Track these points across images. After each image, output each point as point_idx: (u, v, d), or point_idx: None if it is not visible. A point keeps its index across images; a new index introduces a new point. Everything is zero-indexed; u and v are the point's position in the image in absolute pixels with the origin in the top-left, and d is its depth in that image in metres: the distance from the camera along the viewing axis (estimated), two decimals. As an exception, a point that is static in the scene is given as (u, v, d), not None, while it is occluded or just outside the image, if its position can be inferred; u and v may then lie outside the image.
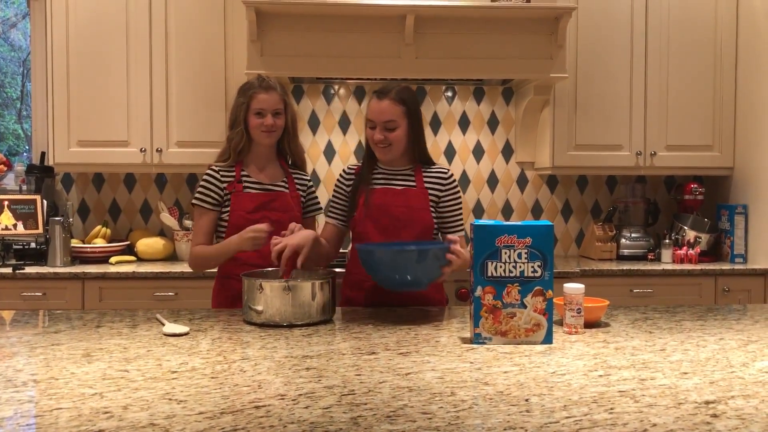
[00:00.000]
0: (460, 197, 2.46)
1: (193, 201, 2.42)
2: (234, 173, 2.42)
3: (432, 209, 2.39)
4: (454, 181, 2.45)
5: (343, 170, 2.50)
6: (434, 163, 2.46)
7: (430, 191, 2.40)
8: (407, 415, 1.25)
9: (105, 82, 3.59)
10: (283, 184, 2.49)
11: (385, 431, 1.17)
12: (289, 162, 2.56)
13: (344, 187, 2.46)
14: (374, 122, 2.34)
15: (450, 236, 2.21)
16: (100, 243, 3.70)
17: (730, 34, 3.81)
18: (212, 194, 2.41)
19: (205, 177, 2.43)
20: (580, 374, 1.52)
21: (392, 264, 2.03)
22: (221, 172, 2.42)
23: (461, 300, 3.26)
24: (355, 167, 2.48)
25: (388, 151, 2.36)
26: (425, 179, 2.41)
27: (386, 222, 2.35)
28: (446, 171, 2.45)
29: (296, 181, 2.53)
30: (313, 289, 2.03)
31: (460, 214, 2.45)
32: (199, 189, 2.42)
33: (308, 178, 2.61)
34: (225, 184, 2.41)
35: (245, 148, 2.44)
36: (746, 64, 3.76)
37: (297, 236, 2.15)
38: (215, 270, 2.51)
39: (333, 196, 2.49)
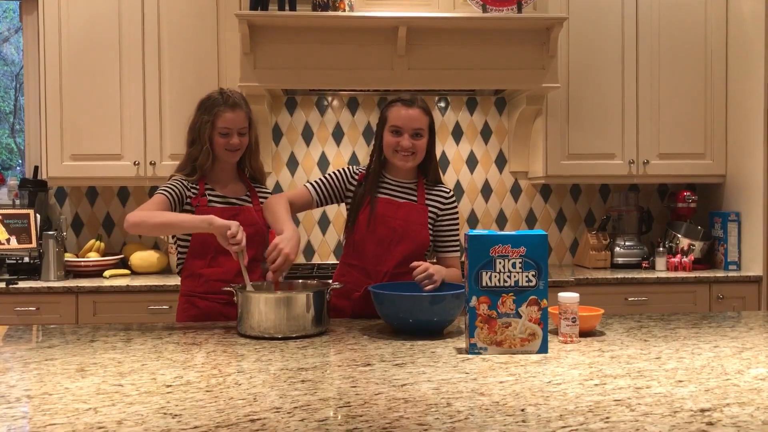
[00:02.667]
0: (457, 218, 2.47)
1: (159, 191, 2.31)
2: (198, 187, 2.38)
3: (430, 226, 2.40)
4: (455, 201, 2.46)
5: (351, 168, 2.46)
6: (441, 182, 2.48)
7: (430, 208, 2.40)
8: (403, 427, 1.24)
9: (98, 95, 3.59)
10: (246, 198, 2.46)
11: (381, 443, 1.17)
12: (247, 175, 2.52)
13: (345, 183, 2.43)
14: (402, 129, 2.33)
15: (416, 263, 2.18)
16: (93, 257, 3.69)
17: (720, 43, 3.84)
18: (179, 192, 2.33)
19: (173, 181, 2.36)
20: (575, 383, 1.52)
21: (408, 308, 2.02)
22: (188, 184, 2.37)
23: None
24: (360, 172, 2.45)
25: (411, 159, 2.36)
26: (427, 196, 2.42)
27: (383, 233, 2.35)
28: (448, 191, 2.46)
29: (259, 195, 2.51)
30: (307, 301, 2.02)
31: (457, 234, 2.45)
32: (168, 185, 2.34)
33: (270, 191, 2.59)
34: (190, 196, 2.36)
35: (209, 165, 2.39)
36: (736, 72, 3.78)
37: (291, 245, 2.13)
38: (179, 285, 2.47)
39: (328, 178, 2.43)
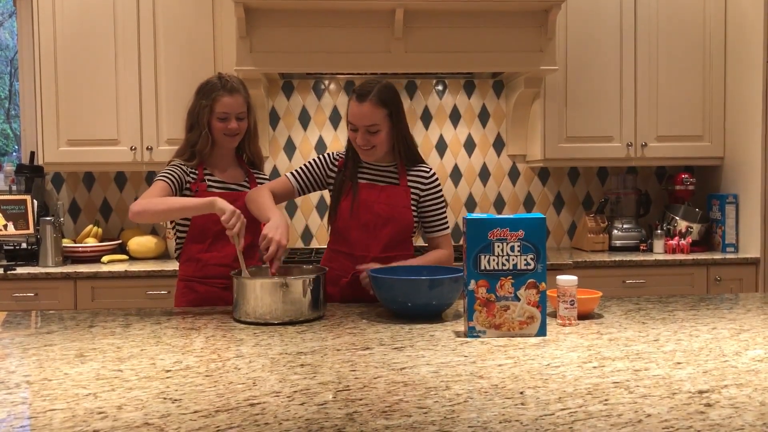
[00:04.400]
0: (441, 196, 2.42)
1: (158, 177, 2.31)
2: (197, 173, 2.38)
3: (413, 208, 2.37)
4: (437, 180, 2.42)
5: (330, 154, 2.44)
6: (422, 161, 2.43)
7: (412, 189, 2.37)
8: (403, 410, 1.25)
9: (94, 80, 3.57)
10: (245, 183, 2.47)
11: (381, 426, 1.17)
12: (246, 161, 2.53)
13: (326, 169, 2.41)
14: (355, 125, 2.29)
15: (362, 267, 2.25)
16: (91, 242, 3.68)
17: (718, 24, 3.82)
18: (179, 178, 2.33)
19: (172, 166, 2.37)
20: (574, 366, 1.53)
21: (406, 292, 2.02)
22: (188, 169, 2.37)
23: None
24: (340, 158, 2.43)
25: (372, 153, 2.33)
26: (408, 177, 2.38)
27: (367, 218, 2.33)
28: (429, 170, 2.42)
29: (258, 180, 2.51)
30: (304, 287, 2.02)
31: (442, 213, 2.41)
32: (167, 170, 2.34)
33: (268, 177, 2.59)
34: (189, 181, 2.36)
35: (208, 150, 2.39)
36: (735, 53, 3.77)
37: (280, 232, 2.11)
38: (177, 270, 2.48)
39: (308, 166, 2.41)
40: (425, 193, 2.39)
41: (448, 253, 2.39)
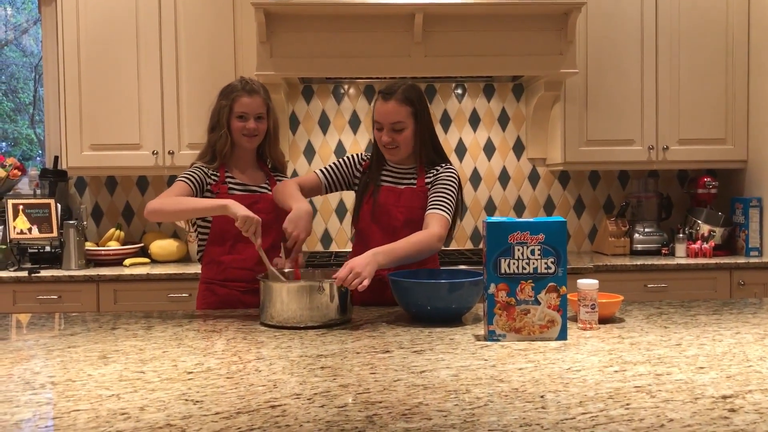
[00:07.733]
0: (448, 182, 2.34)
1: (180, 178, 2.34)
2: (219, 175, 2.41)
3: None
4: (451, 171, 2.37)
5: (358, 155, 2.49)
6: (447, 162, 2.42)
7: (429, 187, 2.37)
8: (423, 413, 1.25)
9: (116, 85, 3.61)
10: (266, 186, 2.49)
11: (400, 429, 1.17)
12: (269, 166, 2.55)
13: (353, 170, 2.46)
14: (381, 124, 2.32)
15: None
16: (114, 246, 3.72)
17: (741, 26, 3.78)
18: (199, 179, 2.36)
19: (193, 168, 2.39)
20: (595, 370, 1.52)
21: (426, 296, 2.02)
22: (209, 171, 2.40)
23: None
24: (366, 160, 2.47)
25: (396, 152, 2.36)
26: (426, 178, 2.38)
27: (387, 222, 2.36)
28: (446, 165, 2.39)
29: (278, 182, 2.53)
30: (331, 291, 2.02)
31: (441, 194, 2.30)
32: (188, 172, 2.37)
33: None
34: (210, 183, 2.39)
35: (229, 151, 2.42)
36: (758, 55, 3.72)
37: (300, 225, 2.14)
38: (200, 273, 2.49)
39: (337, 164, 2.46)
40: (435, 179, 2.36)
41: (429, 232, 2.21)
